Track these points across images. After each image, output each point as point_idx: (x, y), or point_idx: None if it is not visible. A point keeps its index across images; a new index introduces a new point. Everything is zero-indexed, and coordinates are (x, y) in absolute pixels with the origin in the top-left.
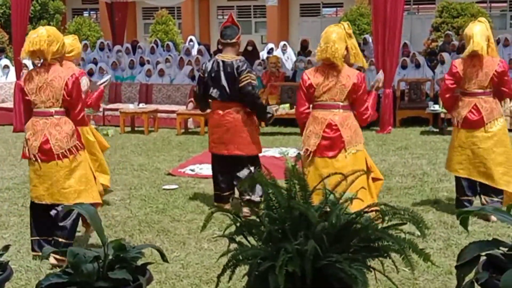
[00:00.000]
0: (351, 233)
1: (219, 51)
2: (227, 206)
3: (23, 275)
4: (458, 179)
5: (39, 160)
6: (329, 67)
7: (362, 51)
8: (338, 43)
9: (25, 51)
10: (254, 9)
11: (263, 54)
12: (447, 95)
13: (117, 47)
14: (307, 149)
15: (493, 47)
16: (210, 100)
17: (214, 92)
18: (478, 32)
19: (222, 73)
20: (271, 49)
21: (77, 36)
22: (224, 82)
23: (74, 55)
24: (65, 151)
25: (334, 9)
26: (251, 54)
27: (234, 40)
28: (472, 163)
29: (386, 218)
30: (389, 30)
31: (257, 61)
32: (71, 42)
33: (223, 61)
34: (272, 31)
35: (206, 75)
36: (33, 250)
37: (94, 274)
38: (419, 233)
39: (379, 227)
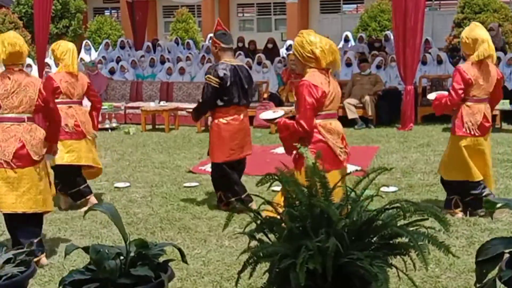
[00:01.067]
0: (372, 230)
1: (239, 49)
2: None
3: (47, 271)
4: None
5: (14, 166)
6: (325, 74)
7: (384, 48)
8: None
9: (5, 54)
10: (274, 6)
11: (283, 51)
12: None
13: (140, 52)
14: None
15: (494, 54)
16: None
17: (236, 97)
18: (488, 36)
19: (243, 78)
20: (290, 45)
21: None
22: (246, 86)
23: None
24: (39, 156)
25: (355, 5)
26: (271, 52)
27: (231, 45)
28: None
29: (407, 215)
30: (410, 26)
31: (277, 59)
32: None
33: (239, 66)
34: (292, 28)
35: (227, 81)
36: None
37: (116, 271)
38: (441, 230)
39: (401, 224)
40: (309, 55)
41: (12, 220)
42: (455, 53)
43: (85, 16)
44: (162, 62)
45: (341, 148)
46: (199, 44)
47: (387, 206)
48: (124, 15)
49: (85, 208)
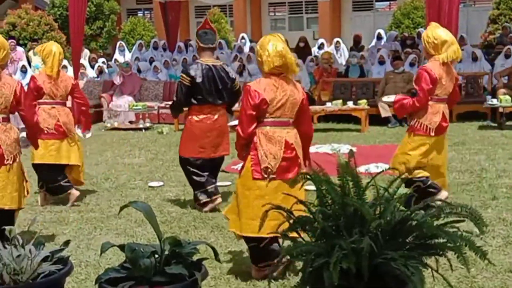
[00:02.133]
0: (406, 230)
1: (300, 49)
2: (209, 208)
3: (83, 269)
4: None
5: None
6: (280, 78)
7: (417, 45)
8: (289, 52)
9: None
10: (306, 5)
11: (315, 50)
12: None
13: (175, 55)
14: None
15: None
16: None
17: (208, 96)
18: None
19: (217, 78)
20: (322, 44)
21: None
22: (220, 86)
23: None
24: (14, 156)
25: (388, 2)
26: (303, 51)
27: (214, 45)
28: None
29: (443, 215)
30: (444, 23)
31: (309, 57)
32: (61, 50)
33: (213, 66)
34: (324, 26)
35: (197, 80)
36: None
37: (151, 269)
38: (477, 231)
39: (436, 224)
40: (259, 59)
41: None
42: (491, 50)
43: (119, 17)
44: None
45: (274, 161)
46: (231, 44)
47: (422, 206)
48: (157, 15)
49: (70, 204)
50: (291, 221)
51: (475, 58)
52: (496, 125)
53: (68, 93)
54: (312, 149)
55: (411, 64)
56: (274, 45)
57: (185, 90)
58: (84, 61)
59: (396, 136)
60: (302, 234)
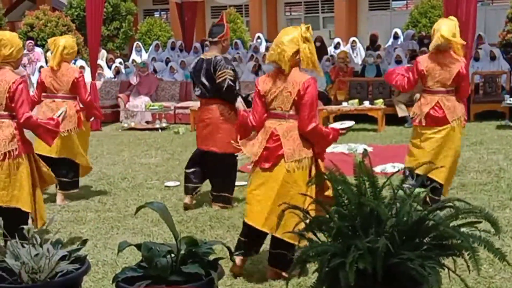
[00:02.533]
0: (423, 230)
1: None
2: (188, 200)
3: (100, 268)
4: None
5: None
6: (279, 71)
7: None
8: (287, 45)
9: None
10: (322, 4)
11: (331, 50)
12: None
13: (191, 56)
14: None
15: (458, 47)
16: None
17: (196, 89)
18: (446, 28)
19: (202, 71)
20: (338, 43)
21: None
22: (203, 79)
23: (72, 55)
24: (2, 154)
25: (404, 1)
26: (319, 50)
27: (216, 39)
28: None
29: (460, 215)
30: (462, 22)
31: (325, 57)
32: (72, 44)
33: (203, 59)
34: (340, 26)
35: (192, 74)
36: None
37: (167, 268)
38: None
39: (453, 224)
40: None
41: None
42: (509, 48)
43: (136, 18)
44: None
45: (260, 145)
46: (247, 44)
47: (439, 206)
48: (173, 16)
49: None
50: (307, 221)
51: (493, 57)
52: None
53: (70, 88)
54: (328, 149)
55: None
56: (276, 40)
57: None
58: (101, 61)
59: None
60: (319, 234)
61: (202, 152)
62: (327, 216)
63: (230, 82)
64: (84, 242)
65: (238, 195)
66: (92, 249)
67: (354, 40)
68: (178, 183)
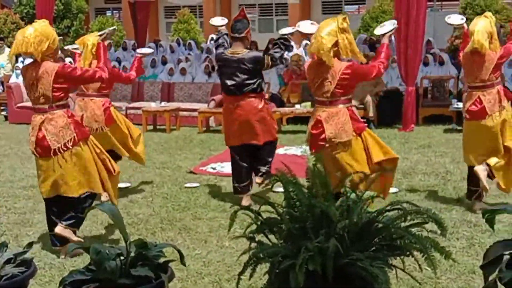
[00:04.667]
0: (372, 231)
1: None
2: (246, 201)
3: (47, 272)
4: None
5: (37, 156)
6: (319, 62)
7: None
8: (326, 37)
9: (11, 53)
10: (276, 7)
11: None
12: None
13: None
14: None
15: (495, 44)
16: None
17: (227, 86)
18: (480, 29)
19: (236, 68)
20: (291, 46)
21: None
22: (239, 75)
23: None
24: (62, 145)
25: (357, 6)
26: None
27: (243, 34)
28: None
29: (408, 217)
30: (412, 27)
31: None
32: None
33: (232, 57)
34: None
35: (218, 70)
36: (53, 244)
37: (116, 271)
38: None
39: (401, 225)
40: None
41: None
42: (457, 54)
43: (87, 17)
44: (164, 63)
45: (307, 136)
46: (201, 45)
47: (388, 208)
48: (125, 15)
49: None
50: (259, 223)
51: (441, 62)
52: (461, 128)
53: (99, 86)
54: (280, 151)
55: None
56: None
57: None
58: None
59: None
60: (270, 236)
61: (240, 147)
62: (278, 217)
63: (275, 59)
64: (30, 244)
65: (190, 197)
66: (39, 252)
67: (307, 43)
68: (129, 184)
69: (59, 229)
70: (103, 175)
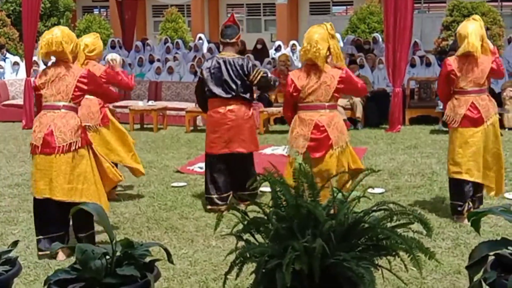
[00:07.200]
0: (359, 231)
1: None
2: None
3: (32, 270)
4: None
5: (37, 152)
6: (312, 67)
7: (372, 50)
8: (320, 43)
9: (41, 52)
10: (264, 7)
11: (272, 52)
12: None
13: (133, 54)
14: (297, 151)
15: (486, 47)
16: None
17: (215, 89)
18: (473, 32)
19: (226, 71)
20: (279, 46)
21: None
22: (228, 78)
23: (96, 53)
24: (67, 144)
25: (344, 7)
26: (260, 52)
27: (233, 40)
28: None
29: (395, 217)
30: (400, 29)
31: (266, 59)
32: (93, 41)
33: (222, 59)
34: (281, 29)
35: (205, 73)
36: (39, 250)
37: (102, 271)
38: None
39: (387, 226)
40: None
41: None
42: (444, 55)
43: (74, 15)
44: (151, 62)
45: (304, 138)
46: (188, 44)
47: (374, 208)
48: (113, 14)
49: None
50: (245, 222)
51: (428, 64)
52: (447, 129)
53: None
54: (267, 151)
55: (361, 66)
56: (306, 38)
57: (197, 84)
58: (37, 58)
59: (350, 139)
60: (256, 235)
61: (223, 156)
62: (265, 217)
63: (266, 76)
64: (15, 243)
65: (176, 196)
66: (24, 251)
67: (294, 44)
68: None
69: (61, 255)
70: (98, 187)
